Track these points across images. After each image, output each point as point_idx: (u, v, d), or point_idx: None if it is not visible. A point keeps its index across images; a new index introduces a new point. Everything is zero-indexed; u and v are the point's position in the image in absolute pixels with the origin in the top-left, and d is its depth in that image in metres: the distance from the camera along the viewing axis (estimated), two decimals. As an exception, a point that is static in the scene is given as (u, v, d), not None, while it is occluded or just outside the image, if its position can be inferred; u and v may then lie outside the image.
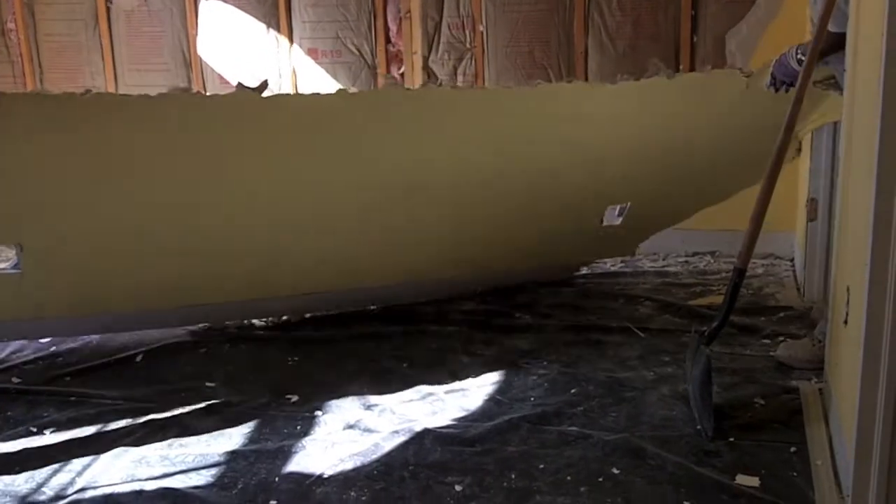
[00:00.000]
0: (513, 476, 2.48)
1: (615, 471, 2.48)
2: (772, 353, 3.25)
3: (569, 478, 2.46)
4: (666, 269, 4.50)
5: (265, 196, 3.34)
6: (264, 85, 2.86)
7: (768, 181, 2.76)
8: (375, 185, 3.41)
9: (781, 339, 3.38)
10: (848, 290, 2.35)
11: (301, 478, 2.53)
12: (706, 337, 2.80)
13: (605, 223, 4.07)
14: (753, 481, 2.38)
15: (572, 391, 3.04)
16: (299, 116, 3.17)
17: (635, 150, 3.58)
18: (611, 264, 4.64)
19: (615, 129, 3.47)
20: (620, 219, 4.06)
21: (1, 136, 2.91)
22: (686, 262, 4.61)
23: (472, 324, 3.77)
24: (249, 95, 3.00)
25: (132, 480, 2.57)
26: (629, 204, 3.98)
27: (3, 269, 3.31)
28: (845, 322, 2.36)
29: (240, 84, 2.94)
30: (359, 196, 3.42)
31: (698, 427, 2.68)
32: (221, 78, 5.42)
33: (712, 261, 4.59)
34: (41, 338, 3.66)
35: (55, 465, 2.70)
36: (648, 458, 2.53)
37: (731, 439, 2.61)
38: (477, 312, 3.91)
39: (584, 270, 4.51)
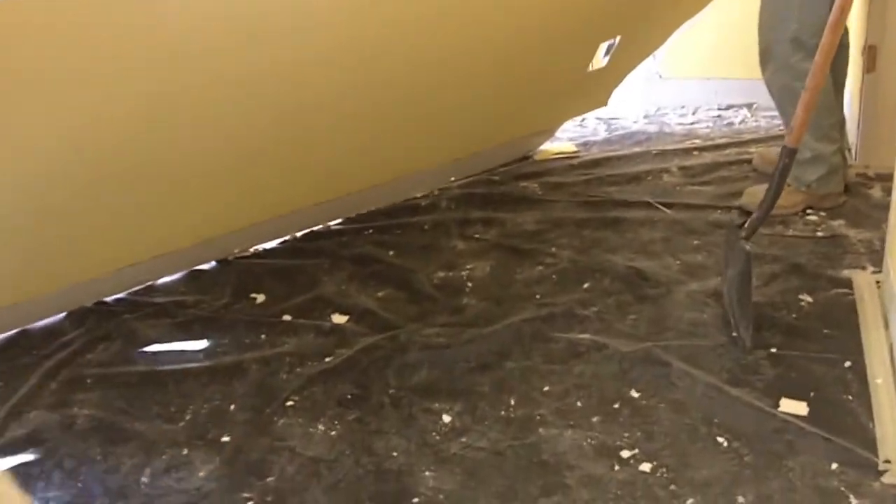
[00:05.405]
0: (512, 402, 2.07)
1: (634, 394, 2.06)
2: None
3: (579, 403, 2.05)
4: (695, 126, 3.96)
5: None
6: None
7: (830, 35, 2.19)
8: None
9: (823, 213, 2.91)
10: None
11: (261, 405, 2.14)
12: (746, 229, 2.30)
13: (592, 67, 3.48)
14: (801, 408, 1.95)
15: (585, 286, 2.59)
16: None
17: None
18: (633, 121, 4.10)
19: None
20: (607, 58, 3.47)
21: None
22: (719, 117, 4.06)
23: (470, 199, 3.30)
24: None
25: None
26: (619, 38, 3.35)
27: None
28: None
29: None
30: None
31: (734, 334, 2.25)
32: None
33: (749, 115, 4.04)
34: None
35: None
36: (674, 376, 2.10)
37: (773, 350, 2.17)
38: (476, 184, 3.43)
39: (603, 131, 3.99)
